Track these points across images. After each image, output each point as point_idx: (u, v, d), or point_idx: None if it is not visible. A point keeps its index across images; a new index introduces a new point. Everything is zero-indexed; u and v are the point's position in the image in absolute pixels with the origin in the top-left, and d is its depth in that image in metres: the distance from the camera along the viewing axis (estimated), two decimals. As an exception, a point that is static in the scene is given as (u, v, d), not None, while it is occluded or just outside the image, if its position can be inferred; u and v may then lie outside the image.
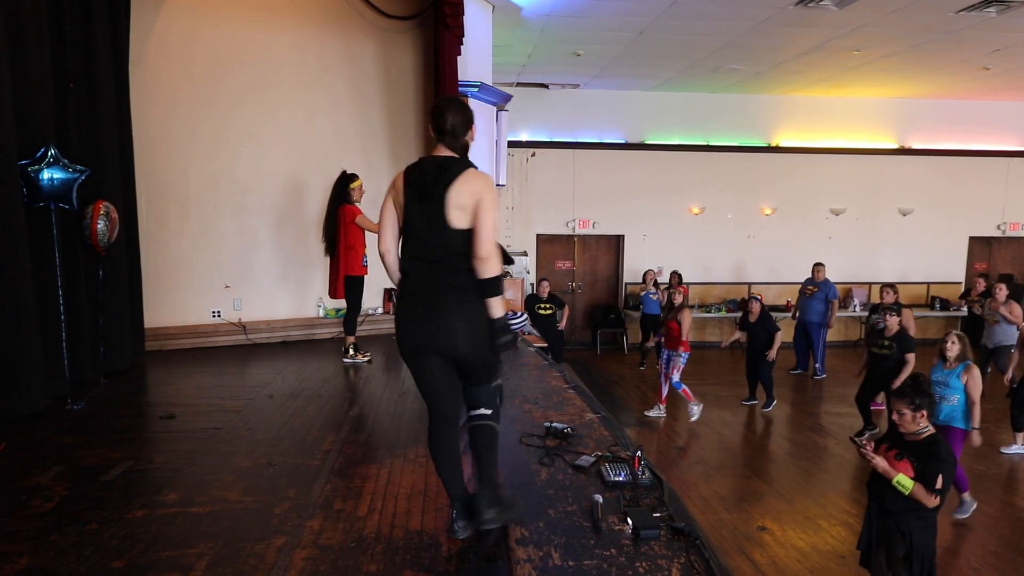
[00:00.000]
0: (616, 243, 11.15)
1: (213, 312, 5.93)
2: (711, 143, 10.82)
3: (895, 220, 11.23)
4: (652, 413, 7.31)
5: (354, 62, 6.21)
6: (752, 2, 6.42)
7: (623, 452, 3.25)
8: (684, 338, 6.94)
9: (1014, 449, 6.25)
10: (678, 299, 7.33)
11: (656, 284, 9.63)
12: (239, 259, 5.98)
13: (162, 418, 3.90)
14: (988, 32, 7.22)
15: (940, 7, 6.47)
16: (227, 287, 5.95)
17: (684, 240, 10.91)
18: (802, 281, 9.49)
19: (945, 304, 10.96)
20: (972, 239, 11.52)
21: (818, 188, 11.03)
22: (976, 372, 4.66)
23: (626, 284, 11.03)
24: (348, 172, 5.31)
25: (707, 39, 7.66)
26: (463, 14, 5.35)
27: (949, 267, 11.45)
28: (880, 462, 3.07)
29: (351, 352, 5.32)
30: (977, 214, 11.36)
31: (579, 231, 10.81)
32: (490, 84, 6.60)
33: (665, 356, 7.28)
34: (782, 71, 9.15)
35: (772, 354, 7.40)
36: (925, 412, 3.11)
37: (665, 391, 7.29)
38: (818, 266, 9.13)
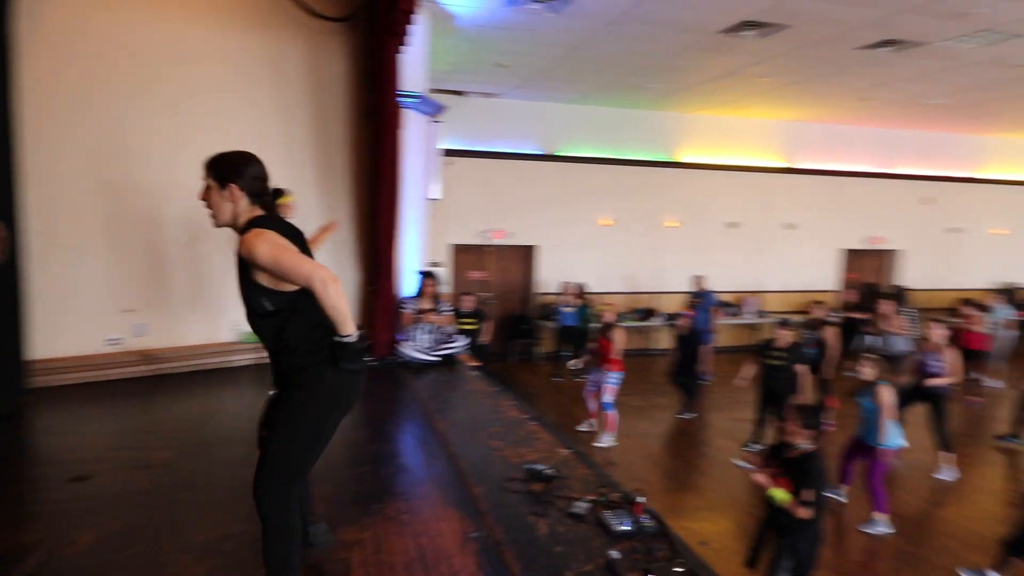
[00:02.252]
0: (528, 253, 11.15)
1: (110, 340, 5.20)
2: (620, 156, 11.09)
3: (781, 233, 12.10)
4: (583, 428, 7.33)
5: (277, 63, 5.70)
6: (684, 27, 6.61)
7: (612, 494, 3.17)
8: (615, 356, 6.99)
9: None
10: (609, 317, 7.35)
11: (583, 295, 9.74)
12: (144, 279, 5.29)
13: (71, 481, 3.31)
14: (875, 68, 7.91)
15: (844, 43, 6.99)
16: (128, 311, 5.24)
17: (595, 251, 11.12)
18: (687, 290, 10.13)
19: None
20: (844, 251, 12.66)
21: (716, 202, 11.65)
22: (886, 392, 5.00)
23: (538, 295, 11.06)
24: (276, 187, 4.83)
25: (634, 58, 7.80)
26: (412, 23, 5.04)
27: (825, 277, 12.52)
28: (759, 477, 3.24)
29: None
30: (848, 228, 12.50)
31: (494, 241, 10.69)
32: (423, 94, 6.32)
33: (594, 374, 7.28)
34: (692, 92, 9.54)
35: (701, 365, 7.69)
36: (809, 433, 3.32)
37: (593, 407, 7.31)
38: (699, 277, 9.67)
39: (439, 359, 5.71)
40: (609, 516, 2.87)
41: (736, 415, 8.14)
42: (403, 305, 5.77)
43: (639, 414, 7.98)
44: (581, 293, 9.77)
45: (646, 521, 2.82)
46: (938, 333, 6.46)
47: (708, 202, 11.60)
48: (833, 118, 11.35)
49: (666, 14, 6.24)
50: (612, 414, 7.02)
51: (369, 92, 5.86)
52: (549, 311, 10.57)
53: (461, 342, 5.87)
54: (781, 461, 3.37)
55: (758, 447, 6.87)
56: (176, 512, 2.99)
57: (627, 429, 7.27)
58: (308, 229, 4.83)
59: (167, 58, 5.25)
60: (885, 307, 8.40)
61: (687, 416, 7.89)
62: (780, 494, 3.20)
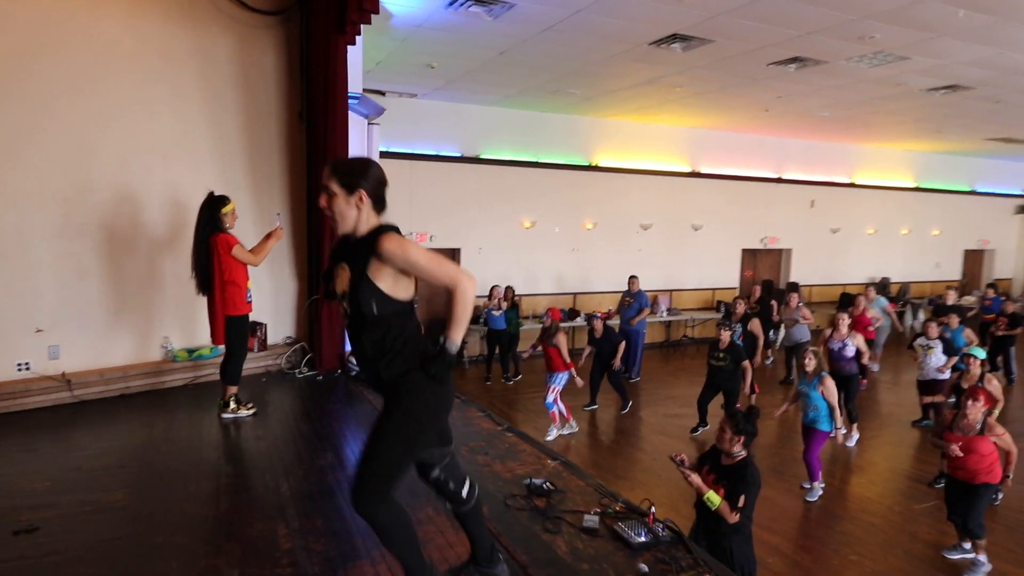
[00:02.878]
0: (451, 256, 11.04)
1: (19, 364, 4.58)
2: (541, 160, 11.24)
3: (689, 234, 12.76)
4: (565, 432, 7.33)
5: (205, 58, 5.25)
6: (617, 37, 6.79)
7: (616, 504, 3.20)
8: (566, 360, 7.10)
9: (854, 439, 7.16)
10: (548, 322, 7.45)
11: (511, 299, 9.75)
12: (58, 294, 4.70)
13: (17, 533, 2.88)
14: (779, 82, 8.53)
15: (758, 59, 7.47)
16: (39, 331, 4.64)
17: (519, 252, 11.20)
18: (619, 291, 10.55)
19: (729, 306, 12.74)
20: (743, 251, 13.56)
21: (630, 205, 12.09)
22: (830, 382, 5.47)
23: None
24: (217, 194, 4.47)
25: (563, 64, 7.92)
26: (369, 22, 4.80)
27: (728, 275, 13.36)
28: (695, 479, 3.44)
29: (232, 405, 4.49)
30: (747, 230, 13.41)
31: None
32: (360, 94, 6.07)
33: (546, 377, 7.38)
34: (611, 97, 9.83)
35: (617, 362, 7.92)
36: (743, 439, 3.51)
37: (559, 409, 7.34)
38: (633, 278, 10.03)
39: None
40: (624, 528, 2.89)
41: (667, 411, 8.52)
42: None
43: (573, 414, 8.12)
44: (510, 296, 9.80)
45: (661, 531, 2.87)
46: (845, 322, 7.14)
47: (623, 204, 12.01)
48: (735, 127, 12.12)
49: (603, 24, 6.39)
50: (554, 411, 7.17)
51: (306, 91, 5.56)
52: (476, 315, 10.51)
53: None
54: (715, 466, 3.54)
55: (705, 428, 7.26)
56: (154, 560, 2.67)
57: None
58: (243, 234, 4.55)
59: (91, 50, 4.70)
60: (793, 299, 9.10)
61: (624, 411, 8.18)
62: (715, 498, 3.35)
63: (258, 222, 5.47)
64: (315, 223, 5.75)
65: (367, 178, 2.18)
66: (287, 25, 5.64)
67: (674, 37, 6.73)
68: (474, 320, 10.51)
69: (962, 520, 4.55)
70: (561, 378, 7.16)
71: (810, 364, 5.50)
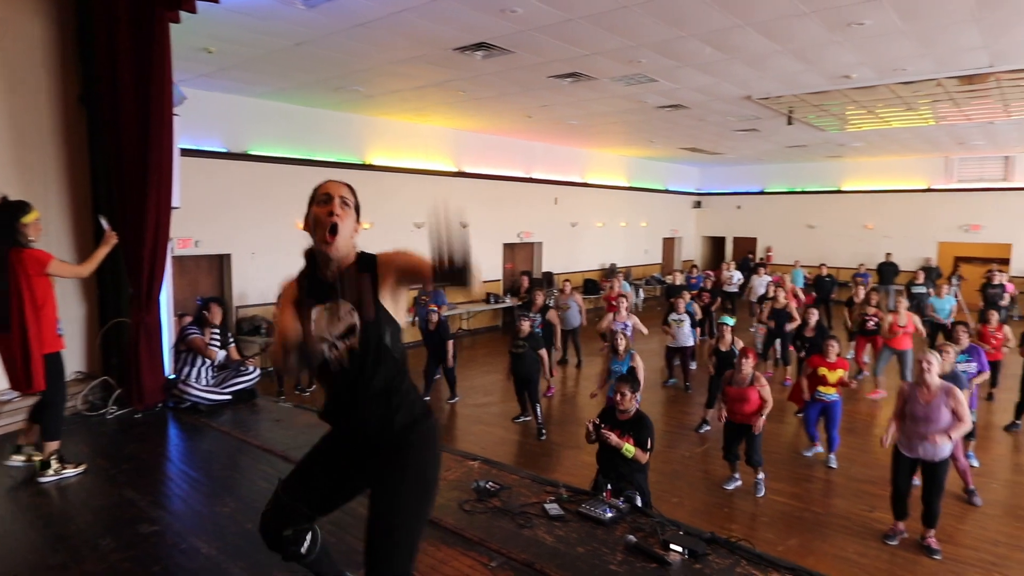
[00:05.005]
0: (220, 263, 9.89)
1: None
2: (315, 158, 10.67)
3: (457, 231, 13.31)
4: None
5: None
6: (425, 39, 6.84)
7: (562, 490, 3.42)
8: None
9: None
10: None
11: None
12: None
13: None
14: (551, 93, 9.45)
15: (542, 72, 8.20)
16: None
17: (295, 256, 10.42)
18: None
19: (497, 298, 13.67)
20: (504, 245, 14.63)
21: (404, 204, 12.15)
22: (639, 358, 6.38)
23: (237, 308, 9.93)
24: (13, 200, 3.52)
25: (359, 60, 7.67)
26: None
27: (492, 267, 14.29)
28: (614, 438, 4.18)
29: (55, 465, 3.57)
30: (506, 225, 14.48)
31: (178, 251, 9.15)
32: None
33: None
34: (393, 97, 9.79)
35: (450, 360, 8.10)
36: (636, 395, 4.41)
37: None
38: None
39: (231, 396, 4.87)
40: (590, 509, 3.14)
41: (475, 402, 8.89)
42: (188, 334, 4.73)
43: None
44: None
45: (622, 504, 3.18)
46: (624, 305, 8.35)
47: (397, 203, 12.02)
48: (496, 130, 12.98)
49: (419, 26, 6.41)
50: None
51: (89, 71, 4.58)
52: (256, 325, 9.62)
53: (255, 373, 5.09)
54: (616, 423, 4.19)
55: (528, 419, 7.78)
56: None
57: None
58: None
59: None
60: (567, 287, 10.20)
61: (453, 401, 8.39)
62: (631, 448, 4.06)
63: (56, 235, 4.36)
64: (140, 231, 4.78)
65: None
66: (59, -12, 4.56)
67: (480, 45, 7.05)
68: (254, 331, 9.63)
69: (746, 455, 5.74)
70: None
71: (621, 344, 6.36)
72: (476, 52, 7.28)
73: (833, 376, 6.09)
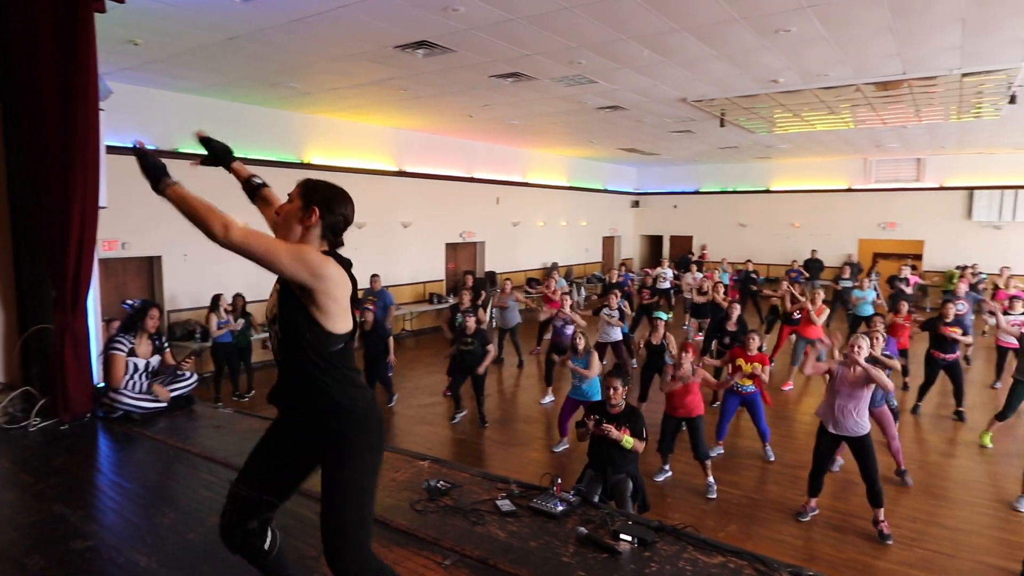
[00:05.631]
0: (150, 266, 9.47)
1: None
2: (249, 156, 10.34)
3: (400, 231, 13.20)
4: None
5: None
6: (365, 36, 6.75)
7: (513, 486, 3.45)
8: None
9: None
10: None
11: (242, 307, 8.77)
12: None
13: None
14: (492, 93, 9.48)
15: (483, 71, 8.22)
16: None
17: (230, 257, 10.03)
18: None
19: (440, 298, 13.60)
20: (447, 244, 14.57)
21: (344, 204, 11.95)
22: (596, 357, 6.49)
23: (169, 312, 9.53)
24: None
25: (296, 56, 7.49)
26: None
27: (436, 268, 14.22)
28: (614, 432, 4.29)
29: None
30: (448, 225, 14.44)
31: (104, 254, 8.70)
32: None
33: None
34: (332, 95, 9.61)
35: (391, 355, 8.02)
36: (627, 388, 4.55)
37: None
38: (375, 277, 10.12)
39: (166, 404, 4.68)
40: (541, 504, 3.18)
41: (419, 402, 8.83)
42: (116, 346, 4.50)
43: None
44: (240, 304, 8.85)
45: (572, 497, 3.24)
46: (568, 304, 8.50)
47: (337, 203, 11.80)
48: (437, 129, 12.92)
49: (360, 22, 6.31)
50: None
51: (14, 63, 4.31)
52: (192, 330, 9.25)
53: (192, 379, 4.90)
54: (609, 417, 4.27)
55: (461, 415, 7.78)
56: None
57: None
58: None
59: None
60: (507, 286, 10.27)
61: (390, 404, 8.28)
62: (629, 439, 4.19)
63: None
64: (24, 232, 4.51)
65: (331, 206, 2.16)
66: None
67: (421, 43, 7.00)
68: (178, 336, 9.24)
69: (693, 449, 5.89)
70: None
71: (581, 342, 6.47)
72: (417, 50, 7.23)
73: (748, 368, 6.36)
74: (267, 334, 6.49)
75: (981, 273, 13.71)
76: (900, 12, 5.95)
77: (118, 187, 8.61)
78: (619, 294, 9.88)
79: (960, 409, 7.75)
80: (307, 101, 10.04)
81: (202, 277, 9.60)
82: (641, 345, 7.96)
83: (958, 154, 16.21)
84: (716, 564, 2.67)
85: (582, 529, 2.92)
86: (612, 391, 4.47)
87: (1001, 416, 6.62)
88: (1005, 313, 7.68)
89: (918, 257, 16.94)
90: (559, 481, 3.31)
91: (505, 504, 3.20)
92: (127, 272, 9.24)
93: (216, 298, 8.57)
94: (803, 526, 5.12)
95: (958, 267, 14.71)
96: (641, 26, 6.39)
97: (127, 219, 8.78)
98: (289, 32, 6.57)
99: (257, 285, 10.39)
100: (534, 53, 7.40)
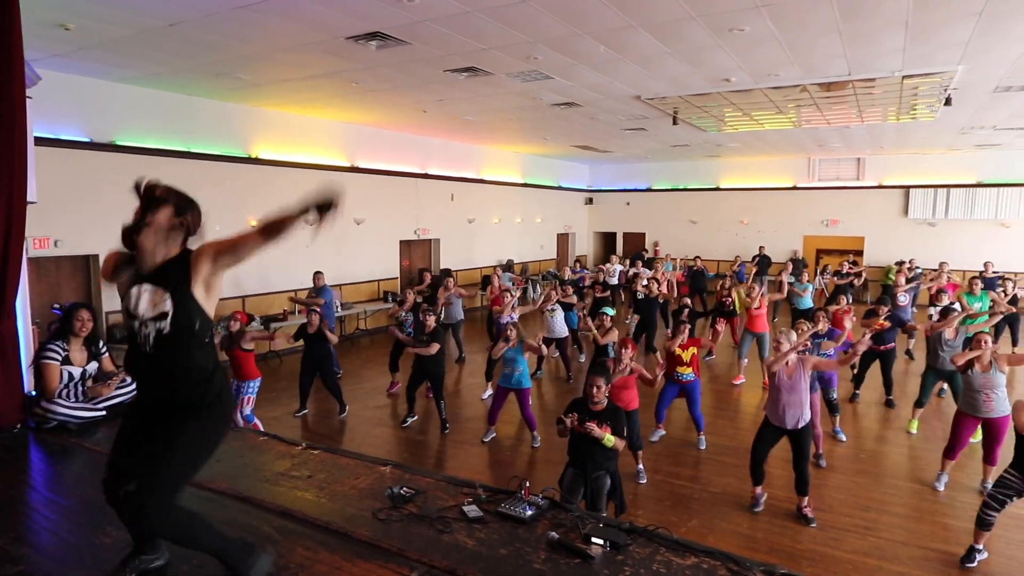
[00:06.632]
0: (86, 265, 8.96)
1: None
2: (192, 150, 9.92)
3: (353, 228, 12.89)
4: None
5: None
6: (316, 25, 6.51)
7: (479, 491, 3.35)
8: (252, 365, 6.78)
9: None
10: (235, 326, 6.95)
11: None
12: None
13: None
14: (447, 87, 9.33)
15: (438, 65, 8.07)
16: None
17: (173, 256, 9.69)
18: (296, 289, 10.81)
19: (396, 296, 13.35)
20: (401, 242, 14.33)
21: (294, 200, 11.58)
22: (534, 346, 6.58)
23: (107, 314, 9.05)
24: None
25: (242, 46, 7.17)
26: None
27: (390, 265, 13.97)
28: (596, 430, 4.25)
29: None
30: (402, 222, 14.19)
31: (35, 252, 8.19)
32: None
33: (235, 386, 6.73)
34: (281, 88, 9.28)
35: (332, 337, 7.79)
36: (607, 387, 4.53)
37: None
38: (318, 274, 9.87)
39: (105, 412, 4.39)
40: (509, 508, 3.09)
41: (375, 404, 8.63)
42: (47, 355, 4.19)
43: (281, 423, 7.60)
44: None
45: (541, 501, 3.16)
46: (508, 302, 8.54)
47: (287, 199, 11.38)
48: (391, 124, 12.66)
49: (311, 11, 6.08)
50: (257, 423, 6.76)
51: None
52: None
53: (133, 385, 4.60)
54: (591, 415, 4.26)
55: (413, 420, 7.62)
56: None
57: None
58: None
59: None
60: (450, 283, 10.17)
61: (343, 415, 7.98)
62: (611, 437, 4.17)
63: None
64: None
65: (196, 210, 2.38)
66: None
67: (375, 35, 6.80)
68: (117, 339, 8.79)
69: (627, 439, 5.93)
70: (254, 386, 6.81)
71: (513, 334, 6.51)
72: (370, 42, 7.03)
73: (687, 355, 6.50)
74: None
75: (918, 268, 14.30)
76: (849, 14, 6.09)
77: (49, 181, 8.17)
78: (560, 292, 9.96)
79: (890, 397, 8.20)
80: (255, 93, 9.68)
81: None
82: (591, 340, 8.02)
83: (895, 154, 16.89)
84: (689, 565, 2.64)
85: (553, 534, 2.84)
86: (595, 389, 4.43)
87: (918, 403, 7.16)
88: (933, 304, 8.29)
89: (859, 253, 17.57)
90: (527, 484, 3.22)
91: (472, 510, 3.10)
92: (61, 272, 8.72)
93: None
94: (760, 517, 5.20)
95: (896, 262, 15.31)
96: (598, 21, 6.36)
97: (60, 215, 8.31)
98: (235, 19, 6.29)
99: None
100: (490, 47, 7.30)
